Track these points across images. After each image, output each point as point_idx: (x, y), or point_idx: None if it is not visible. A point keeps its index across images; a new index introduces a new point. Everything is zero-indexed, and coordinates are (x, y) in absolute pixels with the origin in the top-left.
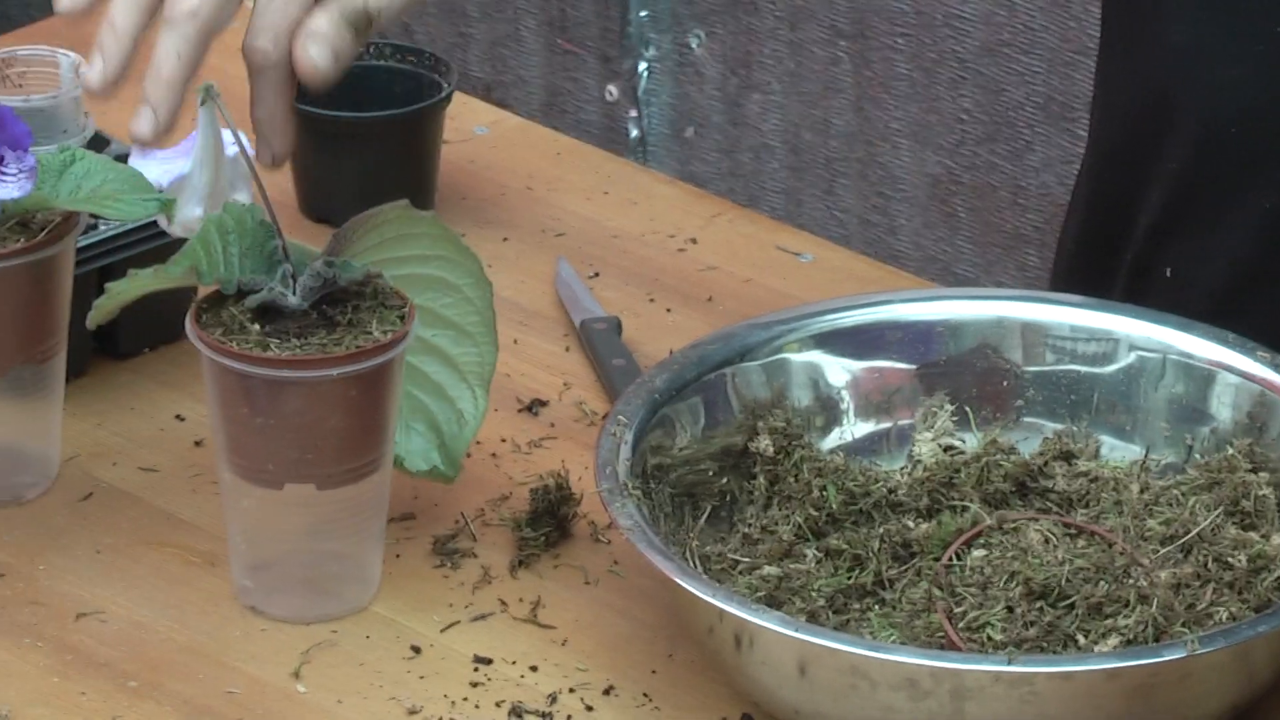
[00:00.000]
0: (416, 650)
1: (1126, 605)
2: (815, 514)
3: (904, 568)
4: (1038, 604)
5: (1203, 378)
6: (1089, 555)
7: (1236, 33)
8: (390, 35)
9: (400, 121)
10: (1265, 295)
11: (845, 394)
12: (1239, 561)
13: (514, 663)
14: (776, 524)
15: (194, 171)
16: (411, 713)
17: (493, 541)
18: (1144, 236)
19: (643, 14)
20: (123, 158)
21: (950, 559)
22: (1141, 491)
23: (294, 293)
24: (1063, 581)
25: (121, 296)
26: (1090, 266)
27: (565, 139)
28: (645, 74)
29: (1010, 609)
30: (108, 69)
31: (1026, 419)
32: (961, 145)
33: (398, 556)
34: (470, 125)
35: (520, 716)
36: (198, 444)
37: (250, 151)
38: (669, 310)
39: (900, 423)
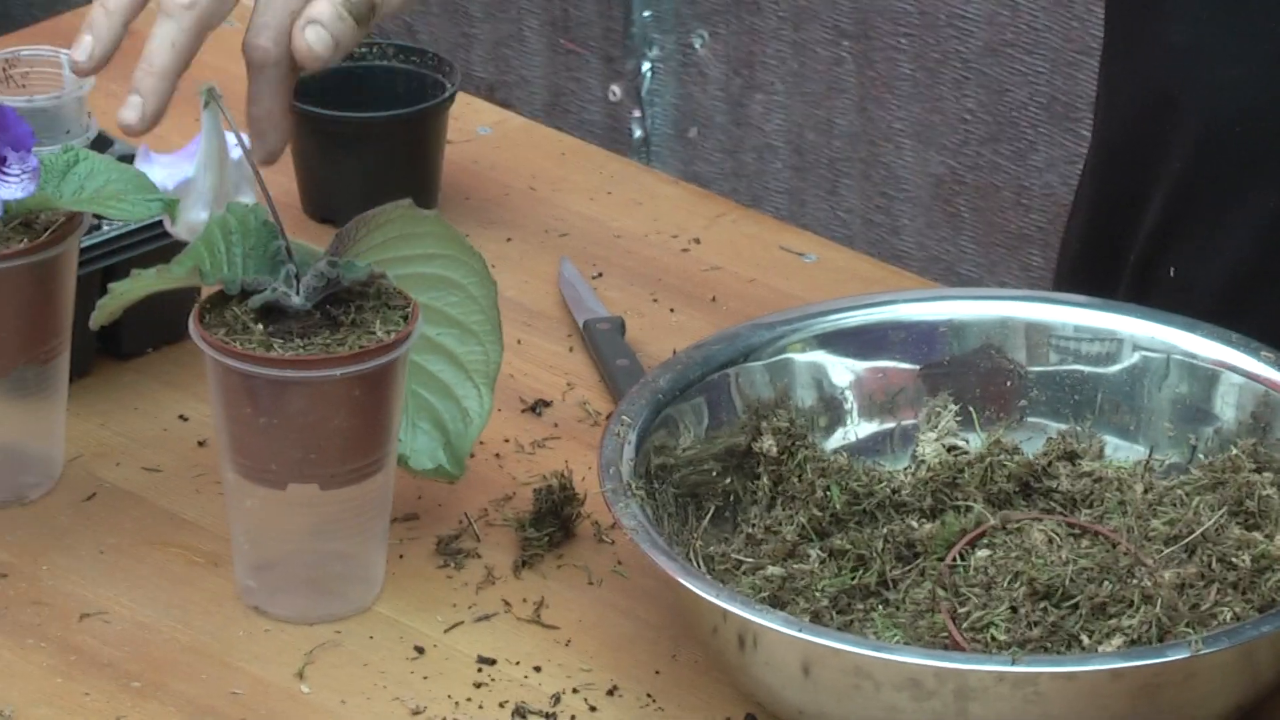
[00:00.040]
0: (420, 650)
1: (1130, 605)
2: (819, 514)
3: (908, 568)
4: (1042, 604)
5: (1206, 378)
6: (1093, 555)
7: (1238, 32)
8: (393, 35)
9: (403, 122)
10: (1268, 295)
11: (849, 394)
12: (1243, 562)
13: (517, 663)
14: (780, 524)
15: (198, 175)
16: (415, 713)
17: (496, 542)
18: (1147, 236)
19: (646, 14)
20: (126, 158)
21: (954, 559)
22: (1145, 492)
23: (297, 293)
24: (1067, 582)
25: (125, 297)
26: (1094, 266)
27: (569, 139)
28: (648, 74)
29: (1014, 609)
30: (96, 48)
31: (1030, 419)
32: (965, 145)
33: (401, 557)
34: (473, 125)
35: (524, 717)
36: (201, 444)
37: None
38: (672, 310)
39: (904, 423)
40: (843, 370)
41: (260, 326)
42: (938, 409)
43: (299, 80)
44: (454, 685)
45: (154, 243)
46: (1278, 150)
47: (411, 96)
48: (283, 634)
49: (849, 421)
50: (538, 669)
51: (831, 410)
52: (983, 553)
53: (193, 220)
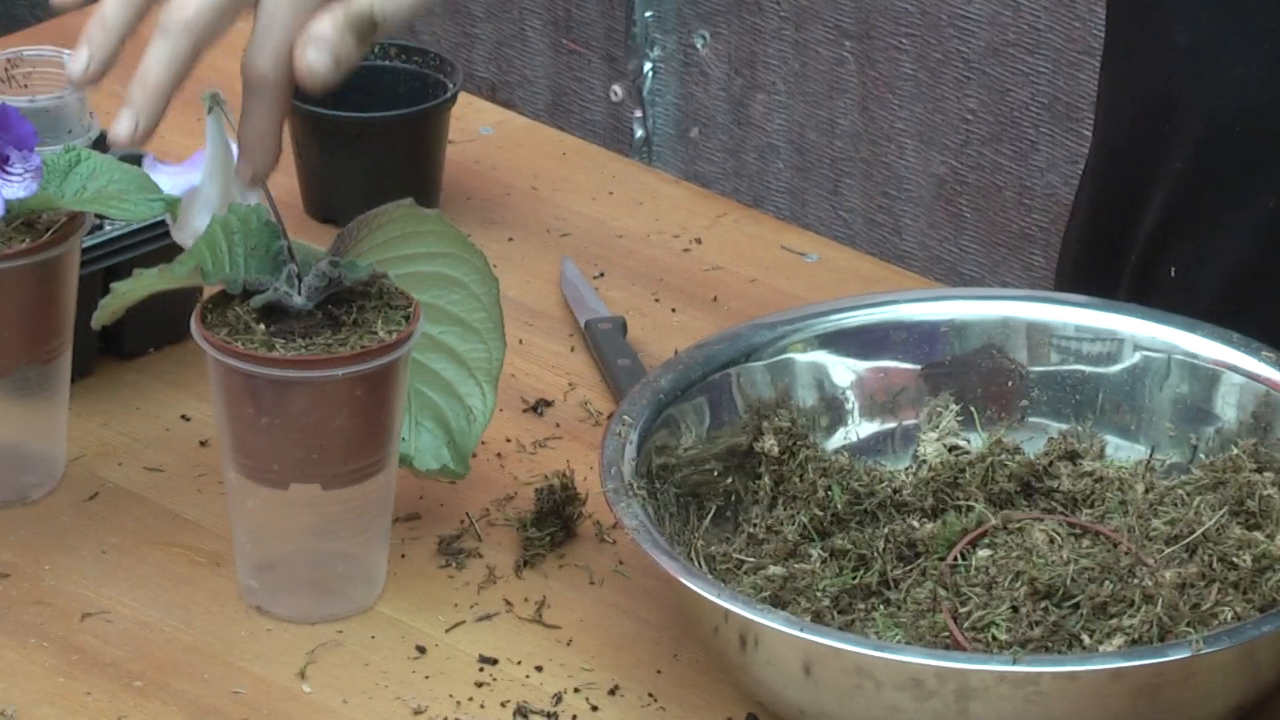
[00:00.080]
0: (422, 650)
1: (1131, 605)
2: (820, 514)
3: (909, 568)
4: (1043, 604)
5: (1207, 378)
6: (1094, 555)
7: (1239, 32)
8: (395, 35)
9: (405, 122)
10: (1269, 295)
11: (850, 394)
12: (1244, 561)
13: (519, 663)
14: (781, 524)
15: (204, 183)
16: (417, 713)
17: (498, 541)
18: (1148, 236)
19: (648, 14)
20: (128, 158)
21: (955, 559)
22: (1146, 491)
23: (299, 293)
24: (1068, 581)
25: (127, 296)
26: (1095, 266)
27: (570, 139)
28: (650, 74)
29: (1015, 609)
30: (93, 62)
31: (1031, 419)
32: (966, 145)
33: (403, 556)
34: (475, 125)
35: (525, 716)
36: (203, 444)
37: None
38: (674, 310)
39: (905, 423)
40: (844, 370)
41: (262, 326)
42: (939, 409)
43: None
44: (455, 685)
45: (156, 242)
46: (1278, 150)
47: (413, 96)
48: (284, 633)
49: (850, 421)
50: (539, 669)
51: (833, 410)
52: (984, 552)
53: (199, 227)
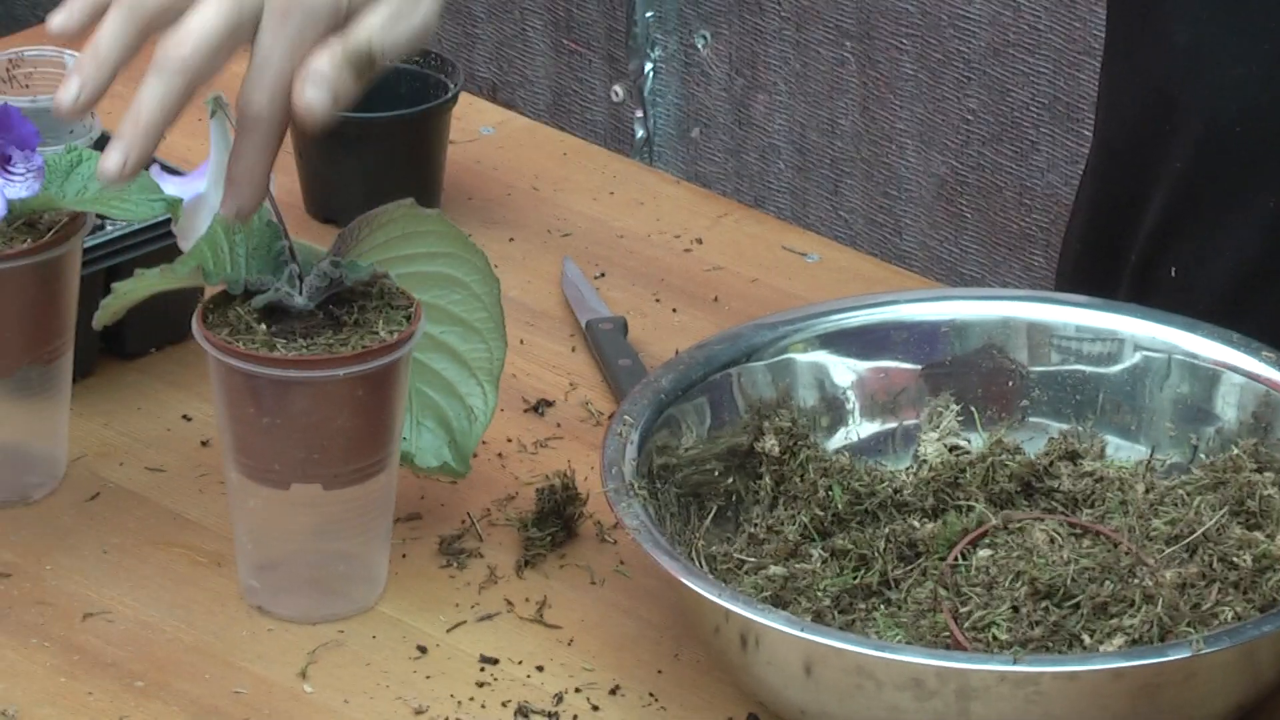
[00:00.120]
0: (423, 650)
1: (1132, 605)
2: (821, 514)
3: (909, 568)
4: (1043, 604)
5: (1208, 378)
6: (1094, 555)
7: (1239, 32)
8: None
9: (406, 122)
10: (1270, 295)
11: (851, 394)
12: (1244, 561)
13: (520, 662)
14: (782, 524)
15: (209, 189)
16: (418, 712)
17: (499, 541)
18: (1148, 236)
19: (649, 14)
20: None
21: (956, 559)
22: (1147, 491)
23: (300, 293)
24: (1068, 581)
25: (128, 297)
26: (1095, 267)
27: (571, 139)
28: (651, 74)
29: (1016, 609)
30: (82, 94)
31: (1032, 419)
32: (967, 146)
33: (404, 556)
34: (476, 125)
35: (526, 716)
36: (204, 444)
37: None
38: (675, 310)
39: (906, 423)
40: (845, 370)
41: (263, 326)
42: (939, 409)
43: None
44: (457, 685)
45: (157, 243)
46: (1278, 150)
47: (414, 97)
48: (286, 633)
49: (851, 421)
50: (540, 668)
51: (833, 410)
52: (984, 552)
53: (201, 231)
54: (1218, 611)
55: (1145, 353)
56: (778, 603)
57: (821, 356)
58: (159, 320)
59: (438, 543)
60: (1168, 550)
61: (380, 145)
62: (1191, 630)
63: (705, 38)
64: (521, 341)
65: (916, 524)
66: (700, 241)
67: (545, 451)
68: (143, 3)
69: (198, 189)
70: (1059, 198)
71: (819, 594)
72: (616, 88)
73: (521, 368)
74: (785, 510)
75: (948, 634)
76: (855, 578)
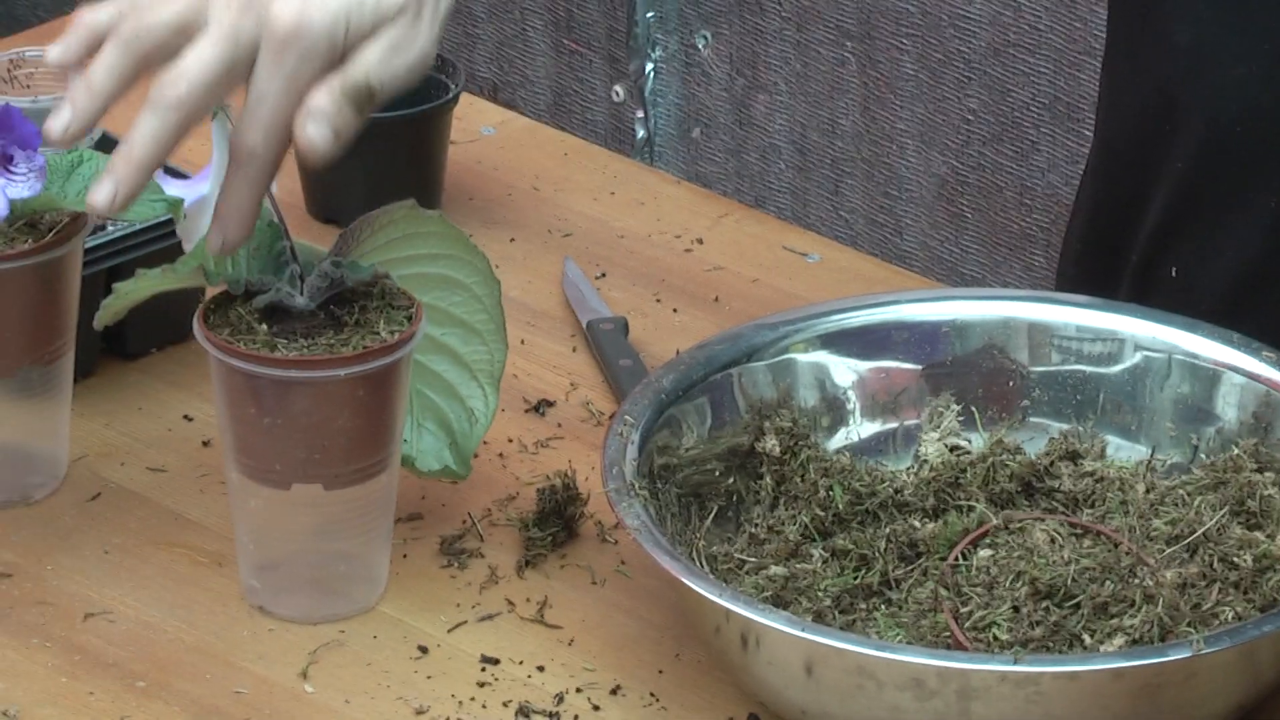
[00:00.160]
0: (424, 650)
1: (1132, 605)
2: (821, 514)
3: (910, 568)
4: (1044, 604)
5: (1208, 378)
6: (1095, 555)
7: (1241, 32)
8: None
9: (407, 122)
10: (1270, 295)
11: (851, 394)
12: (1244, 561)
13: (521, 663)
14: (783, 524)
15: (212, 194)
16: (419, 712)
17: (500, 541)
18: (1149, 236)
19: (649, 15)
20: None
21: (956, 559)
22: (1147, 491)
23: (301, 293)
24: (1069, 581)
25: (129, 297)
26: (1096, 267)
27: (572, 139)
28: (652, 75)
29: (1016, 609)
30: (73, 125)
31: (1032, 419)
32: (968, 146)
33: (405, 557)
34: (477, 126)
35: (527, 716)
36: (205, 444)
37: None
38: (676, 310)
39: (906, 423)
40: (845, 370)
41: (264, 327)
42: (940, 409)
43: None
44: (457, 685)
45: (159, 243)
46: (1279, 150)
47: (415, 97)
48: (287, 634)
49: (852, 421)
50: (541, 668)
51: (834, 410)
52: (985, 552)
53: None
54: (1218, 611)
55: (1146, 353)
56: (778, 603)
57: (822, 356)
58: (160, 320)
59: (439, 543)
60: (1168, 550)
61: (381, 145)
62: (1192, 630)
63: (706, 38)
64: (522, 342)
65: (917, 524)
66: (701, 241)
67: (546, 452)
68: (140, 38)
69: (201, 191)
70: (1059, 198)
71: (820, 594)
72: (617, 88)
73: (522, 368)
74: (786, 510)
75: (948, 634)
76: (856, 578)
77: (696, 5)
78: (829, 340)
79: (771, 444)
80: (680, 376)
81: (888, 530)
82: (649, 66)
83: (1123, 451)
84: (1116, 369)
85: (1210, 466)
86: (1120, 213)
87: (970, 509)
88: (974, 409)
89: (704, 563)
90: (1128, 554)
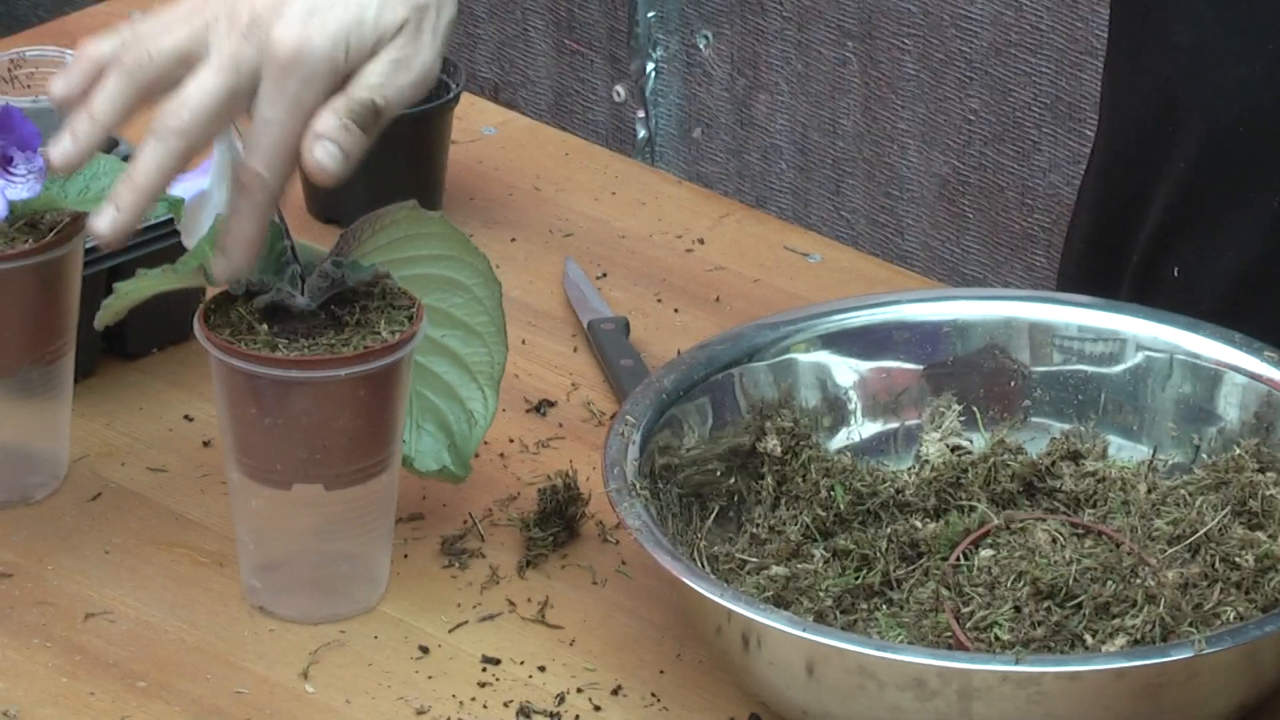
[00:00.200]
0: (425, 650)
1: (1134, 605)
2: (823, 514)
3: (911, 568)
4: (1045, 604)
5: (1210, 378)
6: (1096, 555)
7: (1243, 32)
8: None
9: (408, 122)
10: (1272, 295)
11: (853, 394)
12: (1246, 561)
13: (522, 663)
14: (784, 524)
15: (212, 188)
16: (420, 713)
17: (501, 542)
18: (1150, 237)
19: (650, 15)
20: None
21: (958, 559)
22: (1149, 491)
23: (302, 293)
24: (1070, 581)
25: (130, 297)
26: (1097, 267)
27: (573, 139)
28: (653, 74)
29: (1018, 609)
30: (74, 152)
31: (1034, 419)
32: (969, 146)
33: (406, 557)
34: (478, 126)
35: (528, 716)
36: (206, 444)
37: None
38: (677, 310)
39: (908, 423)
40: (847, 370)
41: (265, 327)
42: (941, 409)
43: None
44: (458, 685)
45: (159, 243)
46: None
47: None
48: (288, 634)
49: (853, 421)
50: (542, 669)
51: (835, 410)
52: (986, 552)
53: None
54: (1220, 612)
55: (1147, 353)
56: (780, 603)
57: (823, 357)
58: (161, 320)
59: (439, 543)
60: (1170, 550)
61: (382, 145)
62: (1194, 630)
63: (707, 38)
64: (523, 342)
65: (918, 524)
66: (702, 242)
67: (547, 452)
68: (142, 68)
69: (200, 186)
70: (1061, 198)
71: (821, 594)
72: (618, 88)
73: (523, 368)
74: (787, 510)
75: (950, 634)
76: (857, 578)
77: (697, 5)
78: (830, 340)
79: (773, 444)
80: (681, 376)
81: (889, 530)
82: (650, 66)
83: (1124, 451)
84: (1118, 369)
85: (1212, 466)
86: (1122, 213)
87: (972, 509)
88: (975, 409)
89: (705, 563)
90: (1129, 554)
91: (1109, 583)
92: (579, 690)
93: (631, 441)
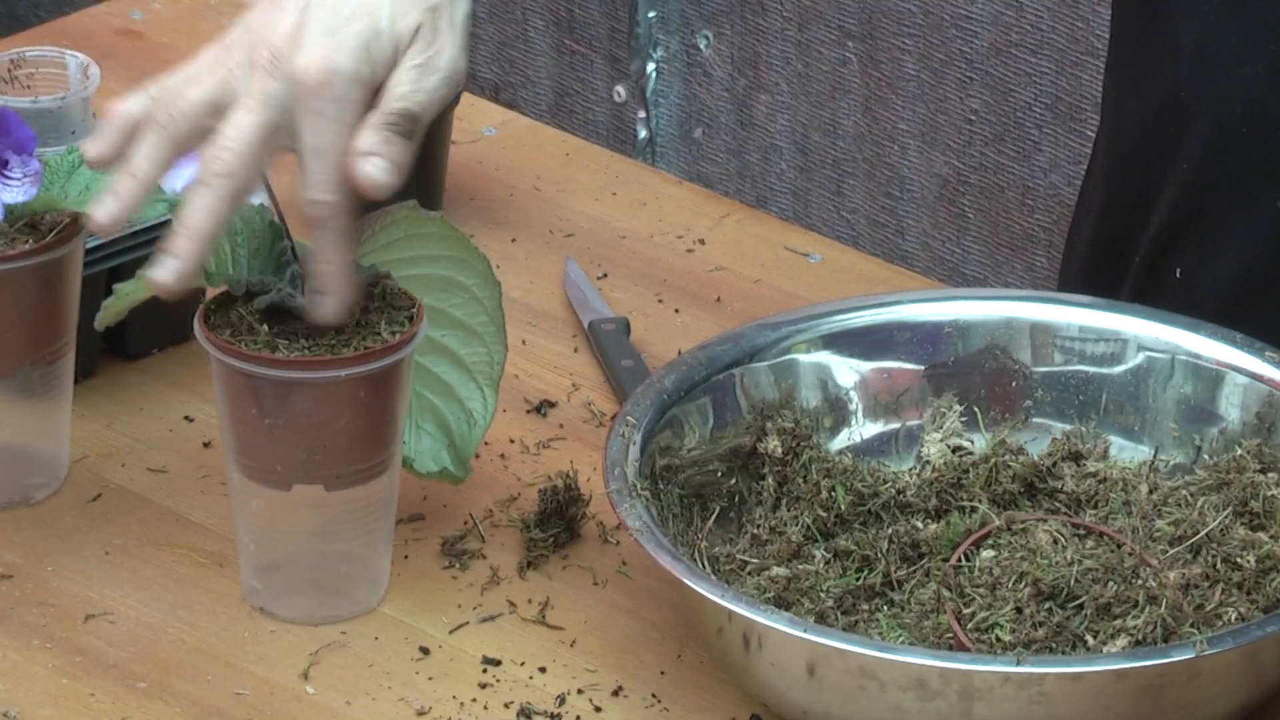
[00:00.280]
0: (425, 651)
1: (1135, 606)
2: (824, 515)
3: (913, 568)
4: (1046, 604)
5: (1211, 378)
6: (1098, 556)
7: (1246, 32)
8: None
9: None
10: (1274, 296)
11: (854, 394)
12: (1247, 562)
13: (522, 664)
14: (785, 525)
15: None
16: (420, 714)
17: (501, 542)
18: (1153, 238)
19: (651, 15)
20: None
21: (959, 560)
22: (1150, 492)
23: (302, 293)
24: (1071, 582)
25: (130, 298)
26: (1099, 268)
27: (574, 140)
28: (654, 75)
29: (1019, 609)
30: (120, 210)
31: (1035, 419)
32: (970, 146)
33: (406, 558)
34: (478, 126)
35: (529, 717)
36: (206, 445)
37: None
38: (677, 311)
39: (909, 423)
40: (848, 371)
41: (265, 327)
42: (942, 409)
43: None
44: (459, 686)
45: (129, 226)
46: None
47: None
48: (288, 635)
49: (854, 422)
50: (543, 670)
51: (836, 411)
52: (987, 553)
53: None
54: (1221, 612)
55: (1149, 353)
56: (781, 604)
57: (824, 357)
58: (161, 321)
59: (440, 544)
60: (1171, 551)
61: None
62: (1195, 631)
63: (707, 38)
64: (524, 342)
65: (920, 525)
66: (703, 242)
67: (548, 452)
68: (175, 121)
69: (194, 174)
70: (1062, 198)
71: (822, 595)
72: (619, 88)
73: (524, 368)
74: (788, 511)
75: (951, 635)
76: (858, 579)
77: (698, 5)
78: (831, 341)
79: (774, 445)
80: (682, 377)
81: (890, 531)
82: (650, 67)
83: (1125, 452)
84: (1119, 369)
85: (1213, 467)
86: (1125, 214)
87: (973, 510)
88: (976, 409)
89: (706, 564)
90: (1131, 555)
91: (1110, 583)
92: (579, 691)
93: (632, 442)
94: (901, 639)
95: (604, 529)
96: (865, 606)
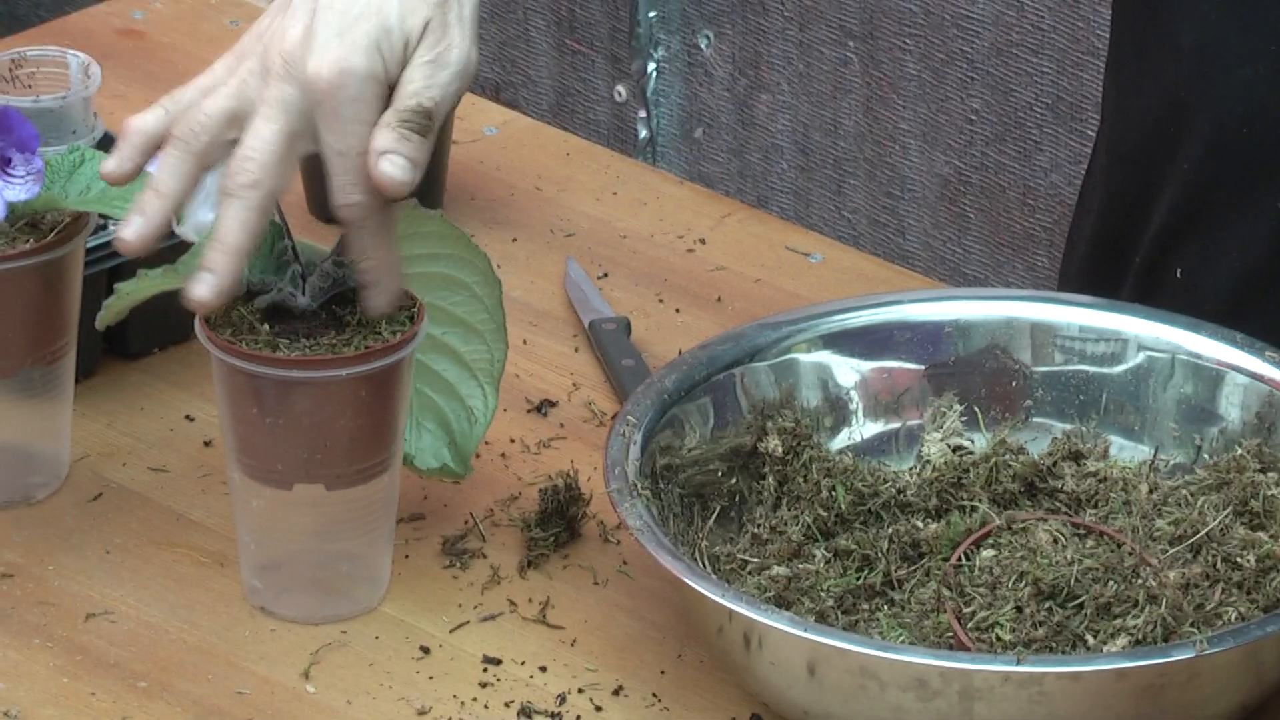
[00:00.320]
0: (426, 650)
1: (1135, 605)
2: (824, 514)
3: (913, 568)
4: (1047, 604)
5: (1211, 378)
6: (1098, 555)
7: (1246, 32)
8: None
9: None
10: (1275, 296)
11: (854, 394)
12: (1248, 561)
13: (523, 663)
14: (785, 524)
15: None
16: (421, 713)
17: (502, 542)
18: (1154, 238)
19: (652, 14)
20: None
21: (959, 559)
22: (1150, 492)
23: (303, 293)
24: (1072, 581)
25: (131, 297)
26: (1100, 268)
27: (574, 139)
28: (654, 74)
29: (1019, 609)
30: (147, 229)
31: (1035, 419)
32: (970, 146)
33: (407, 557)
34: (479, 126)
35: (529, 717)
36: (207, 444)
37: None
38: (678, 310)
39: (909, 423)
40: (848, 370)
41: (266, 326)
42: (943, 409)
43: None
44: (460, 685)
45: (160, 243)
46: None
47: None
48: (289, 634)
49: (854, 421)
50: (543, 669)
51: (837, 410)
52: (988, 553)
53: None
54: (1221, 612)
55: (1149, 353)
56: (781, 603)
57: (825, 357)
58: (162, 320)
59: (441, 543)
60: (1171, 551)
61: None
62: (1195, 631)
63: (708, 38)
64: (525, 342)
65: (920, 524)
66: (703, 242)
67: (548, 452)
68: (195, 135)
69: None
70: (1062, 198)
71: (822, 594)
72: (619, 88)
73: (525, 368)
74: (788, 510)
75: (951, 634)
76: (859, 578)
77: (699, 5)
78: (831, 340)
79: (774, 444)
80: (683, 376)
81: (890, 530)
82: (651, 66)
83: (1126, 452)
84: (1119, 369)
85: (1213, 467)
86: (1126, 214)
87: (973, 509)
88: (977, 409)
89: (706, 563)
90: (1131, 554)
91: (1110, 583)
92: (580, 690)
93: (633, 442)
94: (902, 638)
95: (604, 528)
96: (865, 606)
